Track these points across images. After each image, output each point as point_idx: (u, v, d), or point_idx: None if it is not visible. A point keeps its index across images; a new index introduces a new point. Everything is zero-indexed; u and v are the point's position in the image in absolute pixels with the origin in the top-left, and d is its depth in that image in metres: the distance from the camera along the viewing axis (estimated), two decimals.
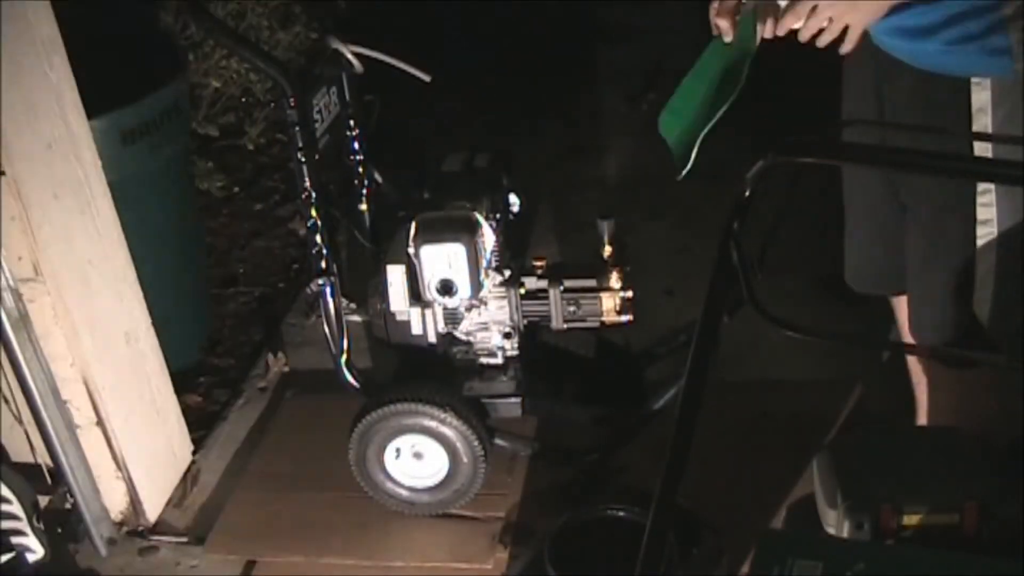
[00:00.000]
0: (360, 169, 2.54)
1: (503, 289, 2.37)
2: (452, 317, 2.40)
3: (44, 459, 2.41)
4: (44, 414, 2.32)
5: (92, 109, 2.37)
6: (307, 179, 2.27)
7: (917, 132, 1.73)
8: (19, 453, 2.43)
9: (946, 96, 1.71)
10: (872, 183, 1.98)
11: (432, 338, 2.40)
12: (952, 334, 1.88)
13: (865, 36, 1.74)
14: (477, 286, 2.30)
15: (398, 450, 2.37)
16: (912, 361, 2.08)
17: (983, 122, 1.69)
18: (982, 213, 1.75)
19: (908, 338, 2.09)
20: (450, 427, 2.31)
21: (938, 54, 1.68)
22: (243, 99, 3.95)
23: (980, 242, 1.77)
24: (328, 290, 2.34)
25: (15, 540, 2.25)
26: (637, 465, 2.43)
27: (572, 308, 2.34)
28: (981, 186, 1.73)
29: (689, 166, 1.76)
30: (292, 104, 2.22)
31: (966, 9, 1.63)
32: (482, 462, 2.34)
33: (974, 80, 1.68)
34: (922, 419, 2.15)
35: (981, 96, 1.68)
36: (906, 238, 1.91)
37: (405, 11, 4.20)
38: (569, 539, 2.03)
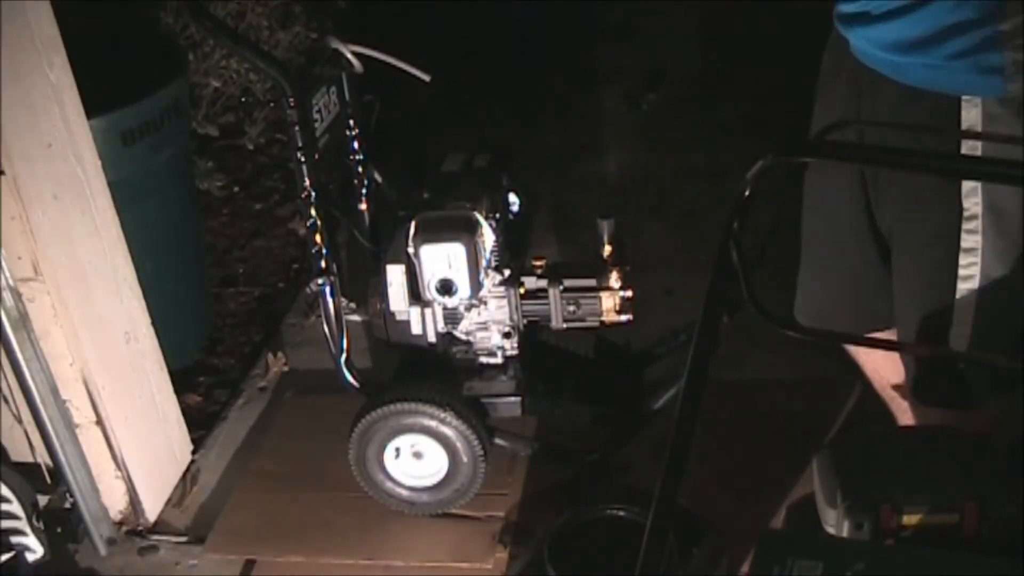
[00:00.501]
0: (360, 169, 2.54)
1: (503, 289, 2.37)
2: (452, 317, 2.40)
3: (44, 459, 2.41)
4: (44, 413, 2.32)
5: (92, 109, 2.37)
6: (307, 179, 2.26)
7: (917, 133, 1.64)
8: (19, 453, 2.43)
9: (931, 115, 1.60)
10: (848, 212, 1.83)
11: (432, 338, 2.40)
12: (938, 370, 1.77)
13: (844, 47, 1.68)
14: (477, 286, 2.30)
15: (398, 450, 2.37)
16: (892, 400, 2.04)
17: (972, 143, 1.58)
18: (967, 241, 1.64)
19: (878, 380, 2.04)
20: (450, 427, 2.31)
21: (926, 69, 1.57)
22: (243, 99, 3.96)
23: (962, 271, 1.66)
24: (328, 290, 2.34)
25: (15, 540, 2.25)
26: (637, 465, 2.43)
27: (572, 308, 2.34)
28: (968, 211, 1.62)
29: None
30: (292, 104, 2.21)
31: (961, 21, 1.52)
32: (482, 462, 2.34)
33: (964, 97, 1.57)
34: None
35: (971, 114, 1.57)
36: (894, 267, 1.79)
37: (405, 11, 4.19)
38: (569, 539, 2.02)
